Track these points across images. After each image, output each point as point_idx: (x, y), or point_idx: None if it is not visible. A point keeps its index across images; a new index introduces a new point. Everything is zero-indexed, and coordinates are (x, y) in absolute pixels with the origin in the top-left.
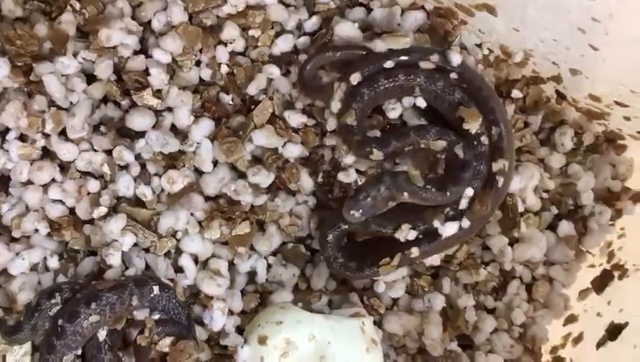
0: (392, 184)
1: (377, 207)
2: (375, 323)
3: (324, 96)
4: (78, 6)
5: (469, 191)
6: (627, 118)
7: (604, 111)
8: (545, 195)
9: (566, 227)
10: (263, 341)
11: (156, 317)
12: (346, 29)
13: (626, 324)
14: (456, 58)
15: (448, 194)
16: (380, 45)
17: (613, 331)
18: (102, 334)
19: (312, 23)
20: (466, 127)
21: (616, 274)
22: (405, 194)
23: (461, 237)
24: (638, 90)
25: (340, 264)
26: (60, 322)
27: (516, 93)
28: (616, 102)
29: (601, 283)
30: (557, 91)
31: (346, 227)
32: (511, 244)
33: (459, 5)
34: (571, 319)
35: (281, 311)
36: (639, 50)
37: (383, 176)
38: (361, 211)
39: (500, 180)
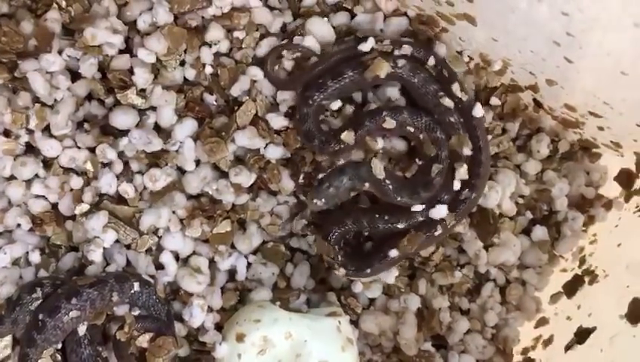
0: (354, 174)
1: (340, 196)
2: (352, 322)
3: (293, 87)
4: (64, 4)
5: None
6: (601, 128)
7: (579, 120)
8: (520, 200)
9: (540, 232)
10: (240, 338)
11: (136, 313)
12: (320, 27)
13: (594, 329)
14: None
15: (403, 198)
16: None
17: (582, 335)
18: (82, 329)
19: (295, 26)
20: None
21: (586, 279)
22: (366, 184)
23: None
24: (610, 102)
25: (341, 264)
26: (40, 316)
27: (495, 101)
28: (591, 113)
29: (572, 287)
30: (534, 99)
31: (346, 228)
32: (486, 248)
33: (440, 14)
34: (542, 322)
35: (259, 310)
36: (612, 65)
37: (347, 167)
38: (323, 200)
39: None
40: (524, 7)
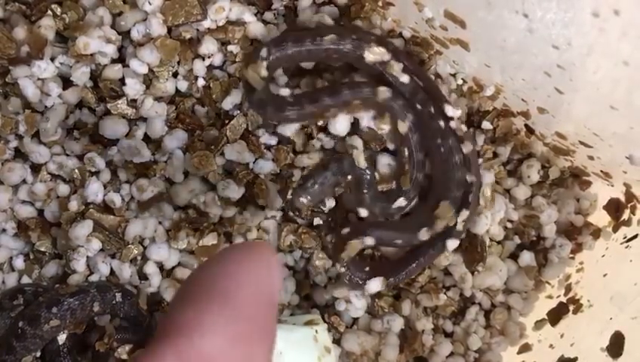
0: (337, 169)
1: (325, 192)
2: (334, 341)
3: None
4: (58, 11)
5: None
6: (591, 158)
7: (570, 148)
8: (509, 225)
9: (527, 257)
10: None
11: (117, 323)
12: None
13: (575, 359)
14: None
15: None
16: None
17: None
18: (62, 337)
19: None
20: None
21: (571, 307)
22: (349, 177)
23: None
24: (600, 134)
25: (360, 279)
26: (20, 324)
27: (486, 125)
28: (581, 142)
29: (556, 315)
30: (526, 125)
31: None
32: (472, 271)
33: (434, 37)
34: (525, 348)
35: None
36: (602, 99)
37: (330, 163)
38: (309, 198)
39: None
40: (516, 38)
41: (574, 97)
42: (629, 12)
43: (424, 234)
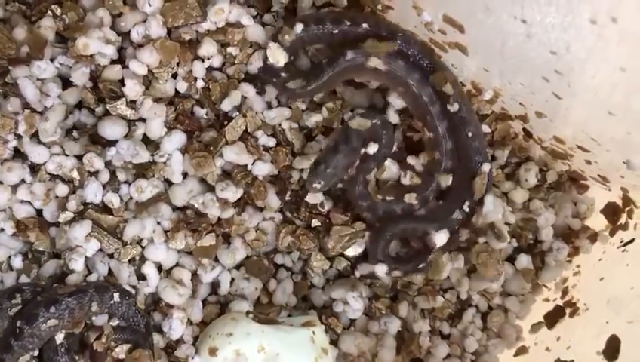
0: (348, 149)
1: (338, 175)
2: (331, 342)
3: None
4: (58, 11)
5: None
6: (589, 162)
7: (568, 152)
8: (506, 228)
9: (524, 260)
10: (213, 352)
11: (115, 323)
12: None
13: None
14: None
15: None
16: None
17: None
18: (59, 337)
19: None
20: None
21: (567, 311)
22: (362, 150)
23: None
24: (598, 139)
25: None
26: (18, 323)
27: (485, 128)
28: (579, 147)
29: (553, 318)
30: (524, 129)
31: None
32: (469, 274)
33: (433, 40)
34: (522, 350)
35: (232, 323)
36: (599, 104)
37: (339, 145)
38: (322, 182)
39: None
40: (514, 42)
41: (572, 102)
42: (626, 19)
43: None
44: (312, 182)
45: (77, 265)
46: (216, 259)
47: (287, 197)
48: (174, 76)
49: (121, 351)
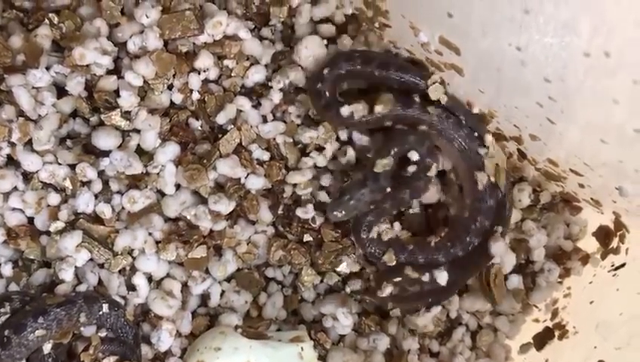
0: (375, 186)
1: (359, 208)
2: (320, 357)
3: None
4: (56, 20)
5: None
6: (581, 186)
7: (561, 175)
8: None
9: (515, 280)
10: None
11: (103, 334)
12: (312, 44)
13: None
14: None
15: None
16: None
17: None
18: (47, 347)
19: None
20: None
21: (557, 333)
22: (388, 189)
23: None
24: (591, 164)
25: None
26: (6, 332)
27: None
28: (572, 170)
29: (541, 340)
30: (518, 150)
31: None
32: (460, 293)
33: (429, 60)
34: None
35: (220, 337)
36: (592, 132)
37: (367, 180)
38: (343, 212)
39: None
40: (509, 68)
41: (566, 128)
42: (618, 54)
43: None
44: (333, 210)
45: (67, 275)
46: (207, 271)
47: (280, 212)
48: (170, 87)
49: None
